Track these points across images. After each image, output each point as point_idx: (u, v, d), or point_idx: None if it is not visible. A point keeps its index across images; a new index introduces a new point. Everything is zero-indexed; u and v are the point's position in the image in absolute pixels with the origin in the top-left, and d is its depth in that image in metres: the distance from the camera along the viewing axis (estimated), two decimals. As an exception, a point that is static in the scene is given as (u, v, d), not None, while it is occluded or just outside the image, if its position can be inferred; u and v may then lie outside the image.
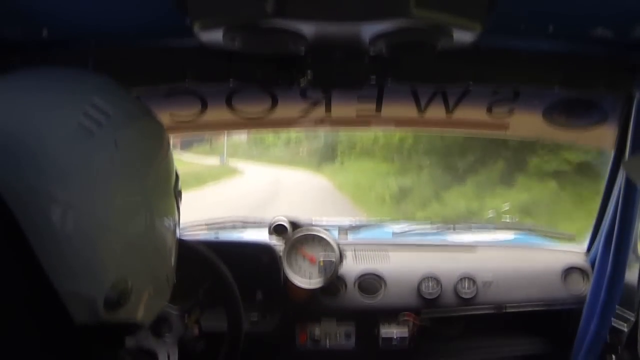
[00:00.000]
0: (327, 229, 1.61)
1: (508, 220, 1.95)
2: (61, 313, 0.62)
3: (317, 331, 1.58)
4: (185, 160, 12.62)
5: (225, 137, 15.19)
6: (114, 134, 0.65)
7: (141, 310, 0.73)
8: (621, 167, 1.37)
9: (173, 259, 0.79)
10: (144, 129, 0.72)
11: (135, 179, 0.68)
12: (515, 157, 7.23)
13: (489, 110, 1.40)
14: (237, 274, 1.29)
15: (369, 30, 0.89)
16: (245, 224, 1.84)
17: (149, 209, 0.70)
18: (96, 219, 0.63)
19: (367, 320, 1.59)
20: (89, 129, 0.63)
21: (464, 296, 1.58)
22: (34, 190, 0.60)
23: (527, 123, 1.45)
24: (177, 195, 0.80)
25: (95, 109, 0.64)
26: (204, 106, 1.36)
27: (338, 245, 1.55)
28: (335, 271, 1.51)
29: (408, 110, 1.41)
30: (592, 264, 1.59)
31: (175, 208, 0.79)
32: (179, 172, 0.82)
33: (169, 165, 0.77)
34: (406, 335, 1.57)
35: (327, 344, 1.58)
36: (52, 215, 0.60)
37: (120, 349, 0.77)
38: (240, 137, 15.39)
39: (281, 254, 1.54)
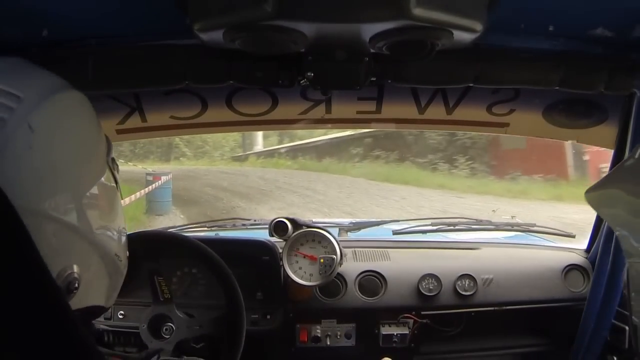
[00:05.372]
0: (327, 228, 1.61)
1: (508, 219, 1.94)
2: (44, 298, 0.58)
3: (317, 330, 1.58)
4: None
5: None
6: (27, 117, 0.61)
7: (97, 294, 0.70)
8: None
9: (119, 235, 0.75)
10: (62, 105, 0.67)
11: (61, 158, 0.64)
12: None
13: (489, 109, 1.40)
14: (237, 272, 1.29)
15: (369, 29, 0.89)
16: (245, 224, 1.84)
17: (81, 190, 0.66)
18: (27, 209, 0.58)
19: (368, 318, 1.59)
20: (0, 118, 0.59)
21: (464, 294, 1.58)
22: None
23: (527, 122, 1.45)
24: (112, 164, 0.75)
25: (1, 95, 0.61)
26: (204, 106, 1.36)
27: (338, 243, 1.55)
28: (336, 269, 1.52)
29: (408, 109, 1.41)
30: (593, 263, 1.59)
31: (112, 179, 0.74)
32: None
33: (96, 137, 0.72)
34: (406, 333, 1.57)
35: (328, 342, 1.58)
36: None
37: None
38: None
39: (281, 252, 1.55)
